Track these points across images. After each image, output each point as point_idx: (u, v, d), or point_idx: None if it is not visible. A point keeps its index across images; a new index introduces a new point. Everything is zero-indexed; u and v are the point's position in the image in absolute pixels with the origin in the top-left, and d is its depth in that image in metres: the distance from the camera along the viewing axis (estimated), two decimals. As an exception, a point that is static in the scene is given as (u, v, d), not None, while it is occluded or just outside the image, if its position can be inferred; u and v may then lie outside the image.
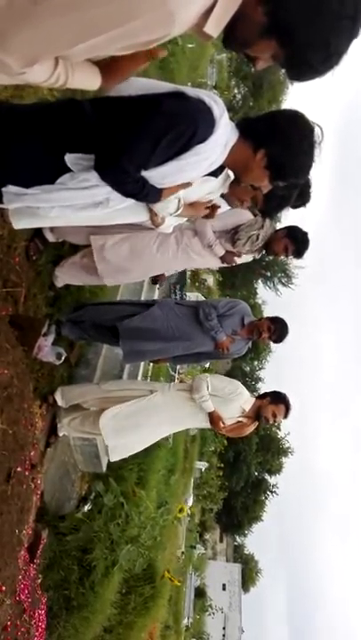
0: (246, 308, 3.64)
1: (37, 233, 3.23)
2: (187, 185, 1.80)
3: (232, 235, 3.35)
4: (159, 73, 6.90)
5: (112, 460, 3.56)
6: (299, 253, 3.38)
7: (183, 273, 7.27)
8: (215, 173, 1.99)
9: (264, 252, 3.46)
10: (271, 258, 3.45)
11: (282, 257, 3.45)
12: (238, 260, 3.50)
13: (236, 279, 29.97)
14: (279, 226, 3.46)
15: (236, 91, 32.07)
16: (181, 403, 3.44)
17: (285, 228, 3.41)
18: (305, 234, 3.35)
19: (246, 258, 3.53)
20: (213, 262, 3.54)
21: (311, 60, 1.20)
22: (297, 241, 3.33)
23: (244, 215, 3.30)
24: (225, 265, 3.52)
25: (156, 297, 5.35)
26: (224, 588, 38.48)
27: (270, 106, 34.39)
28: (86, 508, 4.18)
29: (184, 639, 16.52)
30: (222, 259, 3.42)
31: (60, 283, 3.50)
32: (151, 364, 5.71)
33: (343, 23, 1.13)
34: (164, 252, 3.30)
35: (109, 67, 1.36)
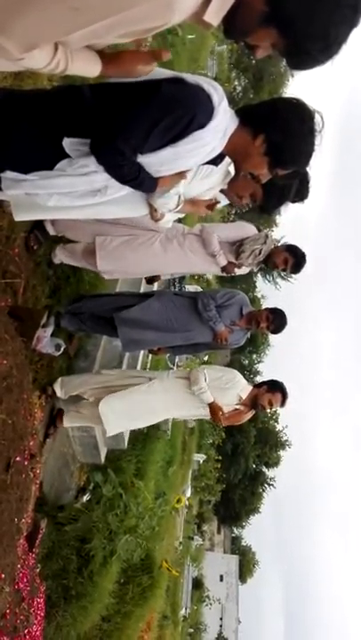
0: (245, 299, 3.66)
1: (38, 225, 3.24)
2: (182, 175, 1.79)
3: (237, 247, 3.42)
4: (159, 64, 6.86)
5: (108, 433, 3.57)
6: (298, 267, 3.50)
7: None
8: (215, 162, 1.99)
9: (263, 265, 3.56)
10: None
11: (280, 269, 3.56)
12: (238, 272, 3.57)
13: (236, 275, 29.96)
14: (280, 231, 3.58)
15: (236, 82, 31.86)
16: (180, 390, 3.47)
17: (285, 244, 3.56)
18: (303, 252, 3.48)
19: (245, 269, 3.61)
20: (212, 269, 3.59)
21: (311, 48, 1.20)
22: (297, 256, 3.45)
23: (249, 229, 3.43)
24: (224, 274, 3.59)
25: (154, 289, 5.36)
26: (221, 579, 38.76)
27: (271, 97, 34.23)
28: (85, 498, 4.21)
29: (181, 629, 16.67)
30: (223, 268, 3.48)
31: (57, 260, 3.51)
32: (150, 356, 5.72)
33: (343, 12, 1.13)
34: (165, 250, 3.33)
35: (112, 57, 1.36)
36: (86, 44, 1.25)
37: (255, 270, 3.71)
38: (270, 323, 3.56)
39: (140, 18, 1.11)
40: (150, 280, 4.03)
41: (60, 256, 3.47)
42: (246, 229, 3.45)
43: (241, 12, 1.19)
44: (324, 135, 1.63)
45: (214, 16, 1.20)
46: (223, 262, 3.44)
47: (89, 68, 1.34)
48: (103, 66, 1.36)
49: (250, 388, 3.54)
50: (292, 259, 3.44)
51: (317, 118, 1.64)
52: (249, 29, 1.23)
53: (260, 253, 3.41)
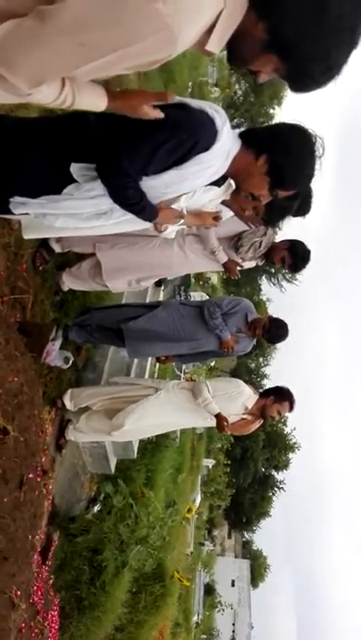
0: (250, 306, 3.67)
1: (43, 243, 3.27)
2: (180, 215, 1.82)
3: (235, 241, 3.38)
4: (160, 73, 6.92)
5: (117, 439, 3.60)
6: (295, 268, 3.43)
7: (187, 274, 7.31)
8: (218, 183, 2.02)
9: (264, 259, 3.51)
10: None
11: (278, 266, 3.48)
12: (240, 267, 3.54)
13: (241, 277, 29.94)
14: (284, 235, 3.49)
15: (237, 87, 31.97)
16: (186, 401, 3.49)
17: (290, 240, 3.45)
18: (307, 251, 3.38)
19: (249, 264, 3.57)
20: (215, 267, 3.58)
21: (312, 72, 1.22)
22: (296, 255, 3.37)
23: None
24: (228, 275, 3.57)
25: (160, 299, 5.39)
26: (233, 585, 38.58)
27: (271, 102, 34.28)
28: (96, 509, 4.23)
29: (194, 636, 16.60)
30: (225, 266, 3.45)
31: (65, 287, 3.54)
32: (157, 365, 5.74)
33: (342, 35, 1.14)
34: (166, 250, 3.33)
35: (119, 95, 1.39)
36: (93, 77, 1.28)
37: (260, 264, 3.60)
38: (265, 331, 3.56)
39: (144, 52, 1.13)
40: (158, 283, 4.04)
41: (68, 283, 3.49)
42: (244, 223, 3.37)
43: (242, 40, 1.21)
44: (323, 160, 1.66)
45: (216, 45, 1.23)
46: (224, 259, 3.41)
47: (95, 103, 1.38)
48: (109, 101, 1.40)
49: (256, 396, 3.55)
50: (290, 258, 3.36)
51: (318, 143, 1.67)
52: (251, 57, 1.26)
53: (260, 246, 3.35)
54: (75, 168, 1.62)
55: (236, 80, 31.47)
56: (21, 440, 2.38)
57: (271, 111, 35.35)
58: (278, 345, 37.59)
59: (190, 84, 12.90)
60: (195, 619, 16.35)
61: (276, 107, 35.36)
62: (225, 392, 3.47)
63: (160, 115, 1.49)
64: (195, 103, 1.65)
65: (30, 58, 1.08)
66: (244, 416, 3.53)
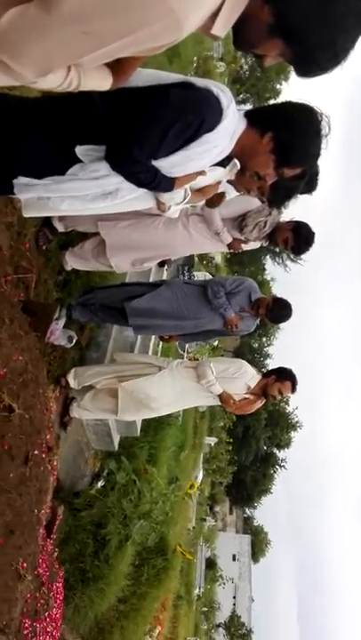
0: (253, 285, 3.67)
1: (46, 222, 3.27)
2: (200, 173, 1.81)
3: (240, 221, 3.36)
4: (165, 50, 6.78)
5: (121, 418, 3.64)
6: (298, 250, 3.40)
7: (191, 255, 7.28)
8: (223, 163, 2.01)
9: (269, 241, 3.47)
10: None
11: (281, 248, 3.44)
12: (245, 247, 3.51)
13: (245, 256, 29.83)
14: (288, 214, 3.44)
15: (242, 61, 31.35)
16: (189, 380, 3.52)
17: (295, 221, 3.40)
18: (311, 233, 3.34)
19: (254, 245, 3.54)
20: (219, 248, 3.56)
21: (318, 58, 1.20)
22: (300, 238, 3.33)
23: (252, 202, 3.27)
24: (231, 251, 3.54)
25: (164, 277, 5.39)
26: (234, 559, 39.38)
27: (278, 77, 33.64)
28: (99, 484, 4.31)
29: (196, 609, 17.03)
30: (229, 246, 3.44)
31: (68, 267, 3.55)
32: (160, 344, 5.78)
33: (349, 21, 1.13)
34: (170, 230, 3.31)
35: (119, 66, 1.38)
36: (99, 64, 1.27)
37: (265, 244, 3.56)
38: (268, 311, 3.55)
39: (149, 38, 1.12)
40: (161, 264, 4.03)
41: (71, 262, 3.49)
42: (249, 202, 3.28)
43: (248, 24, 1.20)
44: (330, 139, 1.65)
45: (221, 29, 1.21)
46: (228, 239, 3.39)
47: (101, 83, 1.37)
48: (113, 79, 1.39)
49: (258, 377, 3.58)
50: (293, 240, 3.33)
51: (325, 121, 1.65)
52: (256, 41, 1.24)
53: (265, 226, 3.32)
54: (80, 150, 1.61)
55: (242, 55, 30.82)
56: (26, 417, 2.42)
57: (278, 86, 34.74)
58: (282, 325, 37.74)
59: (195, 58, 12.65)
60: (196, 592, 16.73)
61: (283, 82, 34.73)
62: (228, 372, 3.51)
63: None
64: (200, 82, 1.63)
65: (36, 47, 1.07)
66: (247, 395, 3.57)
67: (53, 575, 3.16)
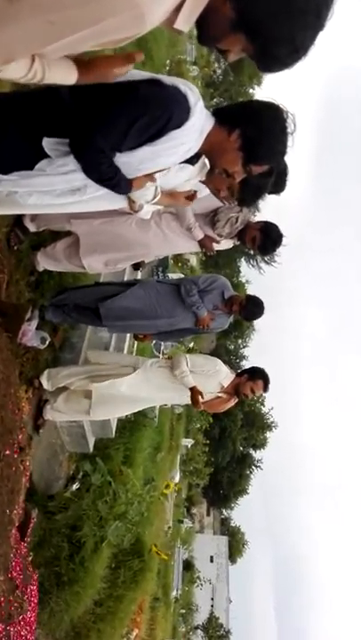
0: (226, 283, 3.72)
1: (18, 222, 3.24)
2: (150, 177, 1.83)
3: (212, 217, 3.39)
4: (130, 43, 6.78)
5: (93, 418, 3.63)
6: (264, 250, 3.42)
7: (165, 256, 7.29)
8: (191, 161, 2.03)
9: (239, 240, 3.49)
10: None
11: (248, 247, 3.46)
12: (218, 246, 3.54)
13: (220, 258, 29.97)
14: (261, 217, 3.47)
15: (216, 66, 31.58)
16: (163, 378, 3.53)
17: (264, 221, 3.43)
18: (279, 235, 3.38)
19: (227, 244, 3.57)
20: (193, 247, 3.58)
21: (278, 53, 1.24)
22: (267, 237, 3.36)
23: None
24: (204, 251, 3.56)
25: (139, 277, 5.39)
26: (212, 560, 39.37)
27: (251, 81, 33.97)
28: (74, 487, 4.28)
29: (173, 610, 16.99)
30: (201, 243, 3.46)
31: (40, 267, 3.52)
32: (135, 345, 5.77)
33: (308, 18, 1.17)
34: (143, 229, 3.30)
35: (87, 64, 1.39)
36: (62, 54, 1.28)
37: (237, 243, 3.57)
38: (242, 308, 3.60)
39: (113, 29, 1.14)
40: (136, 266, 4.02)
41: (43, 263, 3.45)
42: None
43: (211, 19, 1.23)
44: (295, 137, 1.69)
45: (184, 23, 1.24)
46: (200, 235, 3.40)
47: (65, 77, 1.38)
48: (79, 73, 1.40)
49: (232, 376, 3.62)
50: (260, 239, 3.35)
51: (290, 119, 1.69)
52: (219, 36, 1.27)
53: (236, 221, 3.34)
54: (47, 142, 1.61)
55: (216, 59, 31.05)
56: (-2, 418, 2.40)
57: (251, 91, 35.04)
58: (256, 326, 38.04)
59: (168, 61, 12.69)
60: (174, 593, 16.70)
61: (256, 86, 35.07)
62: (203, 369, 3.53)
63: (130, 67, 1.47)
64: (168, 80, 1.65)
65: (0, 37, 1.08)
66: (220, 394, 3.60)
67: (27, 578, 3.12)
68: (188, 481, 24.53)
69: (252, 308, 3.64)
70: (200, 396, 3.46)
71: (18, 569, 2.94)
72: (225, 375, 3.60)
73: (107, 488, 4.43)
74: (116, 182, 1.71)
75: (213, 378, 3.55)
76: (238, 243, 3.56)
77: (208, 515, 46.19)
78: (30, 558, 3.38)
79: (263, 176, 1.84)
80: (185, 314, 3.56)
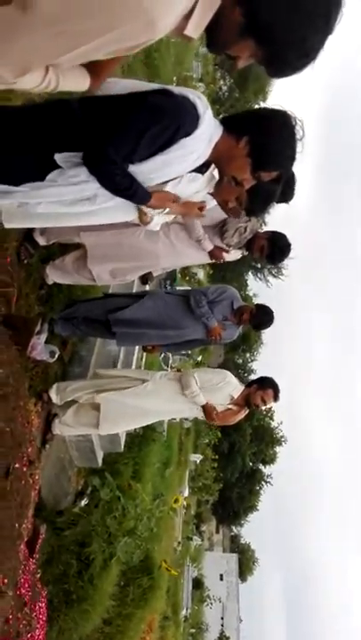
0: (235, 294, 3.72)
1: (28, 237, 3.26)
2: (175, 197, 1.83)
3: (220, 227, 3.40)
4: (144, 69, 6.91)
5: (102, 432, 3.61)
6: (272, 259, 3.47)
7: (173, 269, 7.31)
8: (201, 170, 2.04)
9: (247, 250, 3.51)
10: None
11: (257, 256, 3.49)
12: (227, 257, 3.55)
13: (227, 272, 30.02)
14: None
15: (221, 82, 31.96)
16: (172, 391, 3.51)
17: (271, 231, 3.47)
18: (287, 244, 3.41)
19: (235, 255, 3.59)
20: (202, 258, 3.59)
21: (288, 57, 1.25)
22: (275, 246, 3.39)
23: None
24: (214, 261, 3.57)
25: (147, 289, 5.39)
26: (221, 579, 38.78)
27: (256, 97, 34.33)
28: (83, 502, 4.24)
29: (183, 630, 16.69)
30: (211, 253, 3.47)
31: (50, 280, 3.53)
32: (143, 358, 5.76)
33: (317, 22, 1.18)
34: (152, 241, 3.31)
35: (95, 67, 1.40)
36: (75, 64, 1.30)
37: (245, 254, 3.61)
38: (252, 316, 3.60)
39: (124, 37, 1.15)
40: (144, 280, 4.04)
41: (52, 276, 3.47)
42: None
43: (220, 25, 1.24)
44: (304, 143, 1.69)
45: (195, 30, 1.25)
46: (209, 246, 3.42)
47: (79, 84, 1.40)
48: (92, 80, 1.41)
49: (242, 387, 3.59)
50: (268, 248, 3.38)
51: (298, 125, 1.70)
52: (229, 41, 1.28)
53: (245, 231, 3.37)
54: (59, 157, 1.62)
55: (221, 76, 31.45)
56: (7, 430, 2.39)
57: (256, 107, 35.37)
58: (264, 339, 37.91)
59: (175, 78, 12.86)
60: (183, 612, 16.41)
61: (261, 102, 35.42)
62: (212, 383, 3.51)
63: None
64: (176, 90, 1.67)
65: (13, 47, 1.10)
66: (230, 406, 3.57)
67: (36, 595, 3.08)
68: (197, 497, 24.25)
69: (262, 316, 3.65)
70: (214, 411, 3.44)
71: (27, 585, 2.90)
72: (234, 387, 3.58)
73: (116, 503, 4.38)
74: (133, 192, 1.72)
75: (223, 390, 3.52)
76: (247, 253, 3.57)
77: (217, 532, 45.63)
78: (39, 575, 3.34)
79: (272, 182, 1.84)
80: (194, 325, 3.55)
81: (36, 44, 1.10)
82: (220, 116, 1.85)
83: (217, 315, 3.54)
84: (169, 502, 8.10)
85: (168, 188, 1.98)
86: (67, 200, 1.73)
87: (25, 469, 2.67)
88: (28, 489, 2.73)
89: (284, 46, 1.20)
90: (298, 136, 1.71)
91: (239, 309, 3.63)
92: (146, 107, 1.58)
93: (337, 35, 1.28)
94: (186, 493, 14.62)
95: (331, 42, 1.29)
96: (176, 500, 8.97)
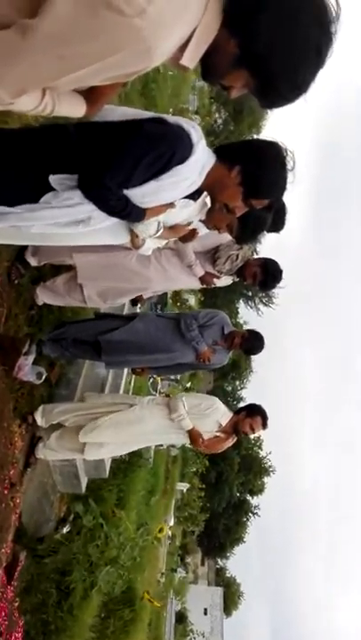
0: (226, 318, 3.74)
1: (19, 257, 3.26)
2: (170, 205, 1.87)
3: (212, 254, 3.44)
4: (141, 100, 7.06)
5: (87, 458, 3.56)
6: (264, 285, 3.50)
7: (164, 293, 7.34)
8: (193, 197, 2.07)
9: (238, 276, 3.55)
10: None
11: (249, 283, 3.53)
12: (218, 282, 3.58)
13: (218, 299, 30.18)
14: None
15: (217, 115, 32.74)
16: (160, 416, 3.49)
17: (263, 258, 3.53)
18: (279, 270, 3.45)
19: (226, 281, 3.62)
20: (193, 283, 3.62)
21: (280, 89, 1.29)
22: (267, 273, 3.43)
23: (224, 236, 3.29)
24: (204, 286, 3.60)
25: (138, 311, 5.39)
26: (206, 613, 37.75)
27: (250, 130, 35.16)
28: (65, 529, 4.14)
29: (165, 666, 16.13)
30: (202, 279, 3.49)
31: (40, 301, 3.53)
32: (132, 382, 5.72)
33: (309, 55, 1.22)
34: (143, 265, 3.34)
35: (92, 94, 1.44)
36: (72, 88, 1.32)
37: (236, 280, 3.65)
38: (244, 341, 3.62)
39: (121, 64, 1.18)
40: (134, 301, 4.05)
41: (43, 297, 3.46)
42: (220, 236, 3.31)
43: (215, 56, 1.28)
44: (295, 173, 1.74)
45: (190, 60, 1.29)
46: (200, 272, 3.45)
47: (75, 109, 1.42)
48: (88, 107, 1.44)
49: (230, 414, 3.57)
50: (261, 276, 3.42)
51: (290, 156, 1.75)
52: (223, 71, 1.32)
53: (237, 258, 3.40)
54: (54, 179, 1.64)
55: (217, 109, 32.25)
56: (-11, 452, 2.34)
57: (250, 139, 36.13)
58: (254, 367, 37.87)
59: (171, 110, 13.16)
60: (166, 648, 15.91)
61: (255, 135, 36.27)
62: (200, 408, 3.49)
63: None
64: (172, 119, 1.71)
65: (12, 70, 1.12)
66: (218, 433, 3.54)
67: (12, 625, 2.98)
68: (183, 527, 23.79)
69: (253, 341, 3.67)
70: (200, 437, 3.42)
71: (3, 614, 2.81)
72: (222, 413, 3.55)
73: (98, 531, 4.28)
74: (128, 213, 1.75)
75: (211, 416, 3.50)
76: (238, 279, 3.60)
77: (203, 564, 44.61)
78: (17, 604, 3.23)
79: (262, 211, 1.87)
80: (184, 348, 3.55)
81: (33, 66, 1.12)
82: (213, 148, 1.89)
83: (207, 339, 3.55)
84: (153, 531, 7.95)
85: (163, 212, 2.01)
86: (61, 222, 1.75)
87: (6, 492, 2.62)
88: (8, 512, 2.67)
89: (277, 78, 1.24)
90: (289, 166, 1.76)
91: (230, 334, 3.65)
92: (142, 134, 1.62)
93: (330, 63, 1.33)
94: (171, 523, 14.35)
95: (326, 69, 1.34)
96: (161, 530, 8.80)
